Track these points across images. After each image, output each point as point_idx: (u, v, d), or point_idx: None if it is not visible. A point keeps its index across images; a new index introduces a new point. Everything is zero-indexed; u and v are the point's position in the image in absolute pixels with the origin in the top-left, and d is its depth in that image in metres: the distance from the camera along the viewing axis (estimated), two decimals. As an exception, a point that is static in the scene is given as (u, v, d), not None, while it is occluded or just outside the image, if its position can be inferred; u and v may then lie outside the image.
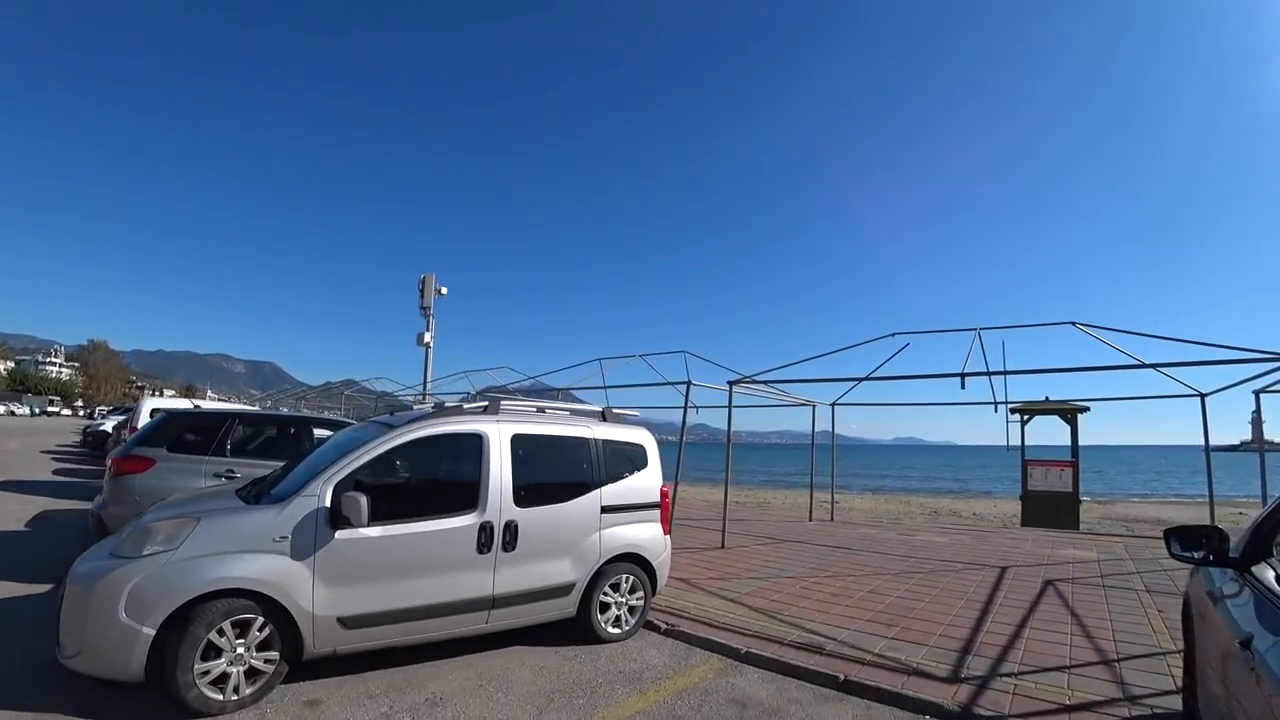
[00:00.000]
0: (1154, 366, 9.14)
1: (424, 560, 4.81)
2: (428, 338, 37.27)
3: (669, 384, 11.53)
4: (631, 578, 5.87)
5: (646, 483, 6.10)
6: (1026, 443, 15.34)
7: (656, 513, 6.13)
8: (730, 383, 10.67)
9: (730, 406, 10.71)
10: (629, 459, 6.07)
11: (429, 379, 25.84)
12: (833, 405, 14.50)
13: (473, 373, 24.01)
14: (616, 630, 5.77)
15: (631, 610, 5.90)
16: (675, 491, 10.90)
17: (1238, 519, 22.51)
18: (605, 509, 5.72)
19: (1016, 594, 7.45)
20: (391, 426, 5.12)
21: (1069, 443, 15.26)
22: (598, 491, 5.71)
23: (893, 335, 11.03)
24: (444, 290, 38.34)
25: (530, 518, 5.28)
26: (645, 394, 16.59)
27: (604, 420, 6.20)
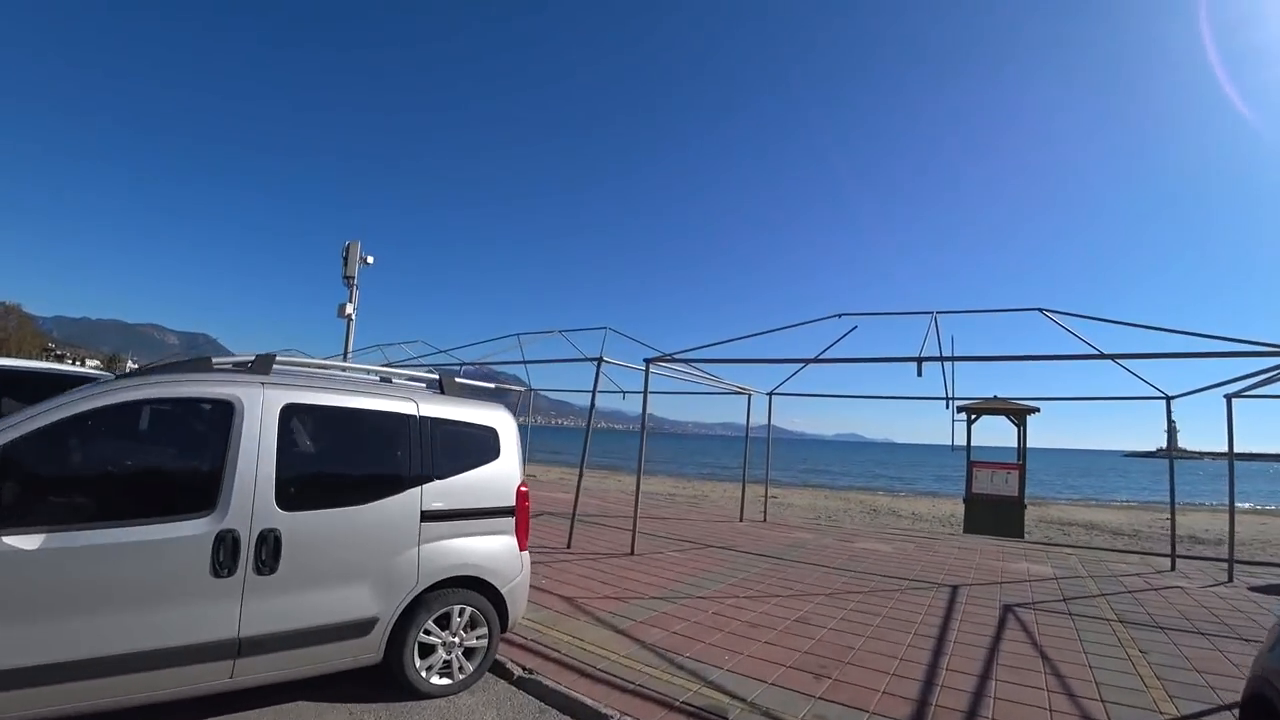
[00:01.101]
0: (1111, 357, 7.88)
1: (121, 586, 3.13)
2: (349, 309, 34.74)
3: (579, 360, 9.91)
4: (469, 610, 4.22)
5: (496, 479, 4.43)
6: (971, 443, 14.36)
7: (510, 520, 4.47)
8: (647, 361, 9.09)
9: (645, 390, 9.13)
10: (473, 446, 4.40)
11: (349, 352, 23.80)
12: (770, 394, 13.10)
13: (387, 346, 21.99)
14: (444, 681, 4.14)
15: (469, 653, 4.27)
16: (580, 480, 9.29)
17: (1166, 524, 22.36)
18: (429, 515, 4.05)
19: (973, 625, 6.10)
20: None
21: (1013, 444, 14.35)
22: (417, 490, 4.03)
23: (839, 316, 9.63)
24: (370, 259, 35.81)
25: (304, 525, 3.60)
26: (570, 378, 14.98)
27: (441, 392, 4.51)
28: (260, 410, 3.57)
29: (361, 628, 3.79)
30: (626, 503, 15.33)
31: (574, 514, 9.04)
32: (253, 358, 3.86)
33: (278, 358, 4.01)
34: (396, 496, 3.95)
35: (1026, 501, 14.05)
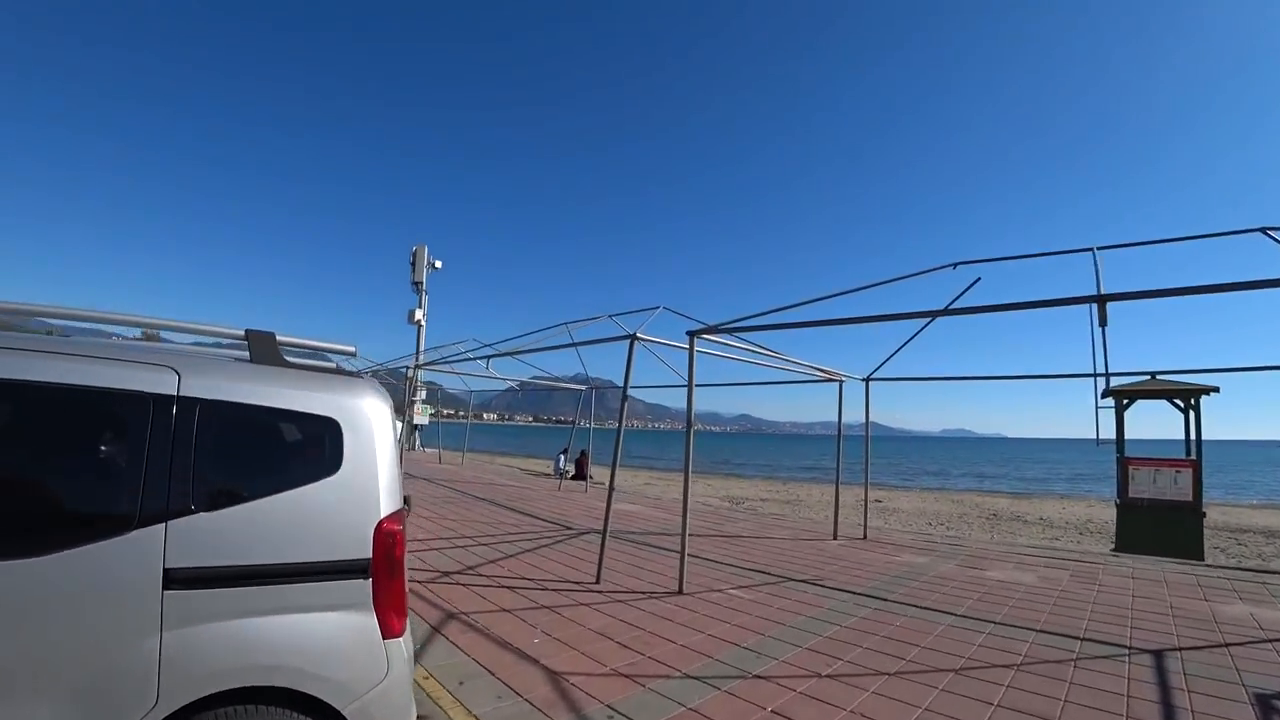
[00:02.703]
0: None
1: None
2: (419, 315, 34.17)
3: (615, 339, 7.92)
4: (278, 749, 2.30)
5: (332, 511, 2.41)
6: (1106, 435, 11.35)
7: (363, 585, 2.47)
8: (690, 334, 6.97)
9: (691, 371, 6.98)
10: (287, 452, 2.46)
11: (420, 359, 23.10)
12: (866, 380, 10.63)
13: (443, 347, 21.01)
14: None
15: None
16: (610, 491, 7.24)
17: (1370, 534, 17.94)
18: (182, 576, 2.14)
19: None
20: None
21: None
22: (156, 530, 2.13)
23: (953, 266, 7.22)
24: (438, 264, 35.16)
25: None
26: (655, 374, 12.89)
27: (249, 359, 2.59)
28: None
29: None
30: (702, 514, 13.21)
31: (604, 534, 7.00)
32: None
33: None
34: (107, 543, 2.06)
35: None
